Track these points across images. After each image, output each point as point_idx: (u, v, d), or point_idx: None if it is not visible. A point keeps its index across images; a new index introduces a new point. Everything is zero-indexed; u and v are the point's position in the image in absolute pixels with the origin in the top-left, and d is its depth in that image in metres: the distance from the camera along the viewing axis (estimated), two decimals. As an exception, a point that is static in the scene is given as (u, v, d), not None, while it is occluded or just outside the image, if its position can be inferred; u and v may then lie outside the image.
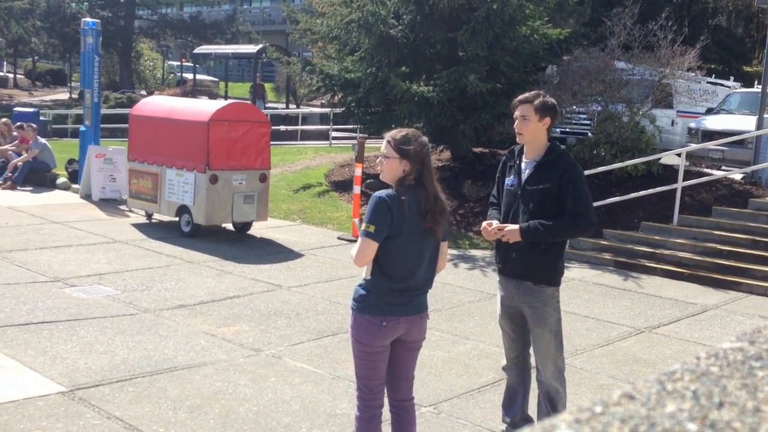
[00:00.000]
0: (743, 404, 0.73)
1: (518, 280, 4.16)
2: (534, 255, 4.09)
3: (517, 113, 4.13)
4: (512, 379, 4.42)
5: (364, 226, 3.50)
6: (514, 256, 4.13)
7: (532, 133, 4.10)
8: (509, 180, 4.23)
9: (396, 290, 3.54)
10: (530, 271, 4.12)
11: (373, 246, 3.47)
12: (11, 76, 41.18)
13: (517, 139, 4.19)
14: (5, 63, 34.61)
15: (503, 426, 4.51)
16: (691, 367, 0.82)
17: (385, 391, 3.75)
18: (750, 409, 0.72)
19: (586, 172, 6.10)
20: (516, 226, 4.04)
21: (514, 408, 4.43)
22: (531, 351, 4.36)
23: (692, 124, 14.18)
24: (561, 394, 4.24)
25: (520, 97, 4.18)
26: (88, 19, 13.61)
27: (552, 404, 4.22)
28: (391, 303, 3.54)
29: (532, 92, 4.20)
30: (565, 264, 4.38)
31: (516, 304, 4.23)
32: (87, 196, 12.55)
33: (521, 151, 4.22)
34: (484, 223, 4.20)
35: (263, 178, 10.25)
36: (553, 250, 4.13)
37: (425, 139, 3.73)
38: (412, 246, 3.54)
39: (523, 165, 4.16)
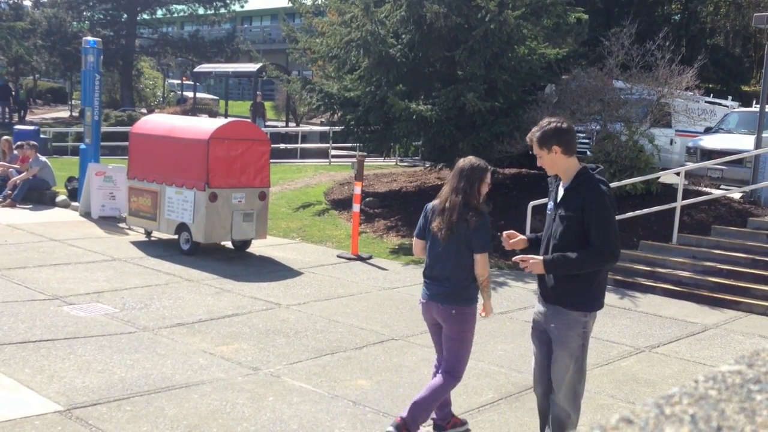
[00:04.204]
0: (741, 428, 0.72)
1: (551, 304, 4.17)
2: (564, 280, 4.09)
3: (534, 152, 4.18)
4: (540, 400, 4.42)
5: None
6: (549, 282, 4.15)
7: (551, 166, 4.12)
8: (549, 204, 4.28)
9: (425, 277, 4.65)
10: (560, 295, 4.11)
11: (415, 241, 4.77)
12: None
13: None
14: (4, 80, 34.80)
15: None
16: (690, 390, 0.81)
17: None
18: (748, 433, 0.71)
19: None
20: (540, 259, 4.05)
21: (545, 430, 4.43)
22: None
23: (691, 144, 14.21)
24: (572, 419, 4.20)
25: (527, 138, 4.23)
26: (90, 38, 13.67)
27: (560, 428, 4.19)
28: (424, 286, 4.66)
29: (536, 127, 4.18)
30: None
31: (545, 326, 4.23)
32: (86, 214, 12.55)
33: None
34: (507, 232, 4.28)
35: (263, 196, 10.26)
36: (584, 276, 4.06)
37: (460, 162, 4.66)
38: (434, 245, 4.53)
39: (559, 190, 4.18)
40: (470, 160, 4.62)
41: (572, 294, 4.08)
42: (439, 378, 4.59)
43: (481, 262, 4.47)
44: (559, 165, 4.09)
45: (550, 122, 4.13)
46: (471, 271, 4.51)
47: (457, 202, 4.44)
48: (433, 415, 4.72)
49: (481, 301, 4.64)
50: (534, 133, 4.11)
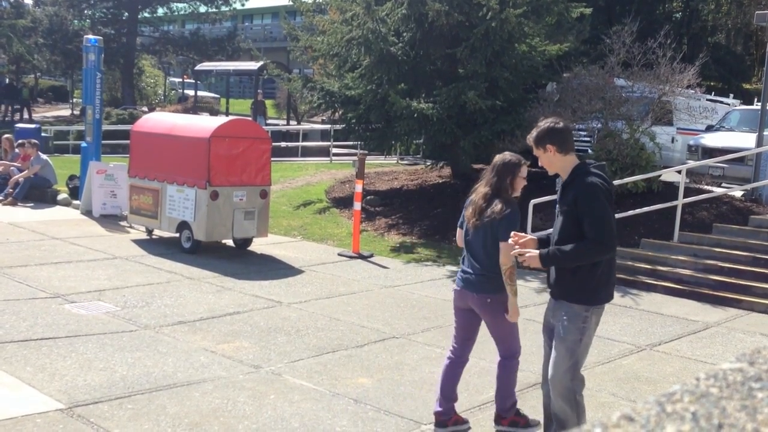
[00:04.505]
0: (743, 426, 0.72)
1: (555, 299, 4.25)
2: (564, 274, 4.15)
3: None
4: (545, 397, 4.44)
5: None
6: (552, 276, 4.24)
7: (549, 164, 4.22)
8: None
9: (461, 265, 4.82)
10: (562, 289, 4.18)
11: (457, 231, 4.92)
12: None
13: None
14: (7, 79, 34.79)
15: None
16: (691, 388, 0.81)
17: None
18: (750, 431, 0.71)
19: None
20: (536, 252, 4.12)
21: (550, 428, 4.44)
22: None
23: (692, 142, 14.20)
24: (568, 414, 4.21)
25: (527, 139, 4.34)
26: (91, 37, 13.67)
27: (560, 424, 4.21)
28: (458, 274, 4.84)
29: (534, 128, 4.27)
30: None
31: (552, 320, 4.30)
32: (88, 212, 12.56)
33: None
34: (512, 235, 4.31)
35: (264, 195, 10.26)
36: (583, 269, 4.08)
37: (496, 157, 4.75)
38: (467, 235, 4.72)
39: (559, 188, 4.30)
40: (503, 155, 4.74)
41: (573, 287, 4.12)
42: (499, 367, 4.79)
43: (504, 250, 4.46)
44: (555, 163, 4.18)
45: (545, 122, 4.22)
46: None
47: (486, 192, 4.61)
48: (438, 407, 4.75)
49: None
50: (531, 134, 4.23)
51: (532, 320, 7.22)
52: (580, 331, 4.13)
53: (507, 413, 4.82)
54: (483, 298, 4.61)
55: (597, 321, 4.22)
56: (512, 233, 4.33)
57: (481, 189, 4.67)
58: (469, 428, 4.85)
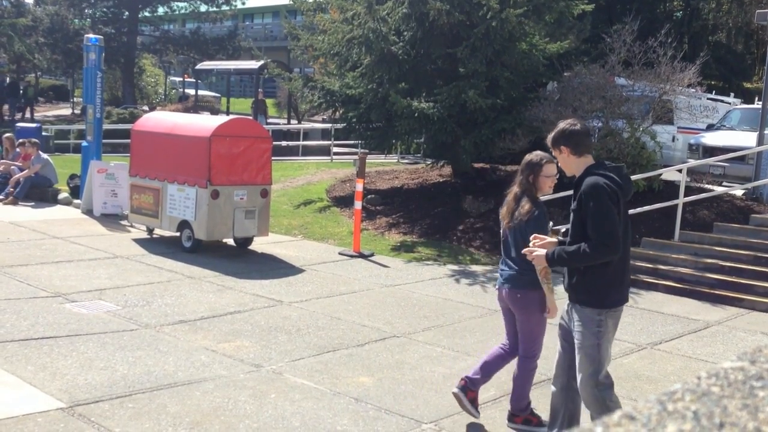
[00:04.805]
0: (744, 425, 0.72)
1: (571, 302, 4.22)
2: (575, 276, 4.11)
3: None
4: (554, 398, 4.45)
5: None
6: (565, 278, 4.23)
7: (564, 166, 4.25)
8: None
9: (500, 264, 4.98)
10: (574, 292, 4.15)
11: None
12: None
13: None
14: (8, 78, 34.82)
15: None
16: (692, 387, 0.81)
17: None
18: (751, 429, 0.71)
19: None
20: (543, 251, 4.15)
21: (552, 428, 4.43)
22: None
23: (693, 140, 14.20)
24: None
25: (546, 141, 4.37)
26: (91, 36, 13.67)
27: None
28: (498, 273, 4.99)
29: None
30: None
31: (569, 325, 4.27)
32: (88, 212, 12.56)
33: None
34: (533, 238, 4.37)
35: (264, 194, 10.26)
36: (592, 271, 4.03)
37: (525, 157, 4.87)
38: (503, 236, 4.88)
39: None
40: (530, 154, 4.86)
41: (583, 290, 4.08)
42: (517, 366, 4.91)
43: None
44: (571, 165, 4.19)
45: (562, 124, 4.21)
46: None
47: (516, 193, 4.81)
48: (470, 374, 4.91)
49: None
50: (549, 135, 4.25)
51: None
52: (596, 335, 4.06)
53: (522, 412, 4.90)
54: (514, 293, 4.76)
55: (615, 324, 4.14)
56: (533, 236, 4.38)
57: (512, 189, 4.86)
58: (476, 417, 4.87)
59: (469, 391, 4.87)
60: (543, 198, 4.97)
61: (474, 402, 4.88)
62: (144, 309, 7.18)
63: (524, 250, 4.34)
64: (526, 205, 4.69)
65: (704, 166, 12.60)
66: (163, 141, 10.37)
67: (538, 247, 4.26)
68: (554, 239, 4.36)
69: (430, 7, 12.03)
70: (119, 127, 22.38)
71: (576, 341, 4.15)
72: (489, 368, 4.95)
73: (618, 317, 4.16)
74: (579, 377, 4.16)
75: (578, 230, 4.05)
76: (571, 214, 4.14)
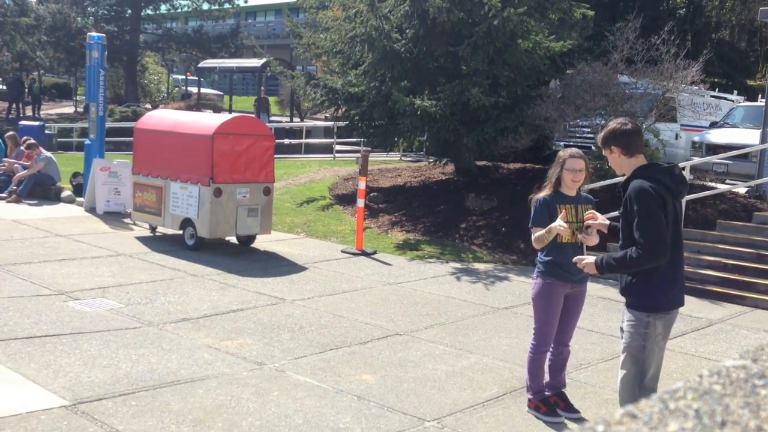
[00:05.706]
0: (746, 423, 0.72)
1: (625, 305, 4.22)
2: (625, 280, 4.13)
3: None
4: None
5: None
6: (618, 283, 4.30)
7: (615, 166, 4.22)
8: None
9: None
10: (624, 293, 4.16)
11: None
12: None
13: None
14: (11, 75, 34.91)
15: None
16: (694, 385, 0.81)
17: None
18: (752, 428, 0.72)
19: (589, 186, 6.12)
20: (592, 259, 4.18)
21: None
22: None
23: (696, 138, 14.18)
24: None
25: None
26: (94, 34, 13.68)
27: None
28: None
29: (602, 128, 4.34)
30: None
31: (622, 325, 4.28)
32: (91, 210, 12.58)
33: None
34: (588, 215, 4.59)
35: (267, 192, 10.27)
36: (640, 274, 4.00)
37: (560, 153, 4.99)
38: None
39: None
40: (561, 152, 5.05)
41: (632, 293, 4.07)
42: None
43: (531, 236, 4.98)
44: (622, 165, 4.13)
45: (612, 123, 4.17)
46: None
47: (542, 185, 5.05)
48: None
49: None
50: (599, 134, 4.24)
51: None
52: (642, 337, 4.01)
53: (533, 396, 5.12)
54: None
55: (666, 327, 4.08)
56: (587, 212, 4.63)
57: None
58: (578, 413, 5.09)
59: (557, 399, 5.15)
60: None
61: (565, 405, 5.14)
62: (147, 307, 7.19)
63: (574, 259, 4.39)
64: (535, 195, 4.98)
65: (707, 163, 12.58)
66: (165, 139, 10.38)
67: (590, 223, 4.48)
68: (606, 222, 4.48)
69: (430, 5, 12.02)
70: (122, 125, 22.41)
71: (623, 341, 4.14)
72: (551, 369, 5.22)
73: (670, 321, 4.09)
74: (620, 374, 4.17)
75: (627, 234, 4.01)
76: (620, 218, 4.12)
